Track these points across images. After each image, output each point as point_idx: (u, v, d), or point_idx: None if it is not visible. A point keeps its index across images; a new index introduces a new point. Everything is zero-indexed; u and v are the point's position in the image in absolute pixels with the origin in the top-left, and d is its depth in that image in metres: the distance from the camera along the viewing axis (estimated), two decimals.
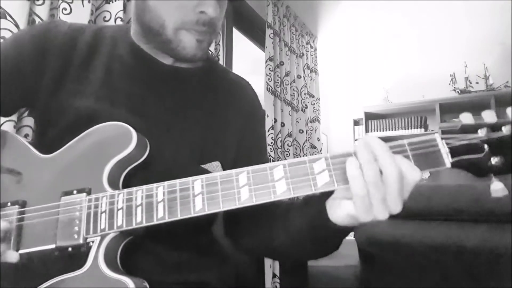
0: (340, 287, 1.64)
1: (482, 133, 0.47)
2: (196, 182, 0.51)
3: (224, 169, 0.68)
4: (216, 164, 0.67)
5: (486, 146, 0.46)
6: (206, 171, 0.66)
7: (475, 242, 1.08)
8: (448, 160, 0.46)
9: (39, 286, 0.51)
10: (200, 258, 0.67)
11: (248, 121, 0.75)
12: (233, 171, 0.51)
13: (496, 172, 0.46)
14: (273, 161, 2.28)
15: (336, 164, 0.48)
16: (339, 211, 0.49)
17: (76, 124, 0.61)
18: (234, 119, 0.73)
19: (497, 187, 0.46)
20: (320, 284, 1.67)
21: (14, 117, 0.99)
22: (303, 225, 0.57)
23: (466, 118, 0.49)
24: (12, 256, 0.52)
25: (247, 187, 0.49)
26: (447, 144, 0.47)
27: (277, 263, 2.14)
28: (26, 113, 1.04)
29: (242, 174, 0.50)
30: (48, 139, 0.63)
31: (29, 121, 1.04)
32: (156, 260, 0.61)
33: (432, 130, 3.49)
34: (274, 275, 2.14)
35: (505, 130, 0.46)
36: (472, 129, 0.47)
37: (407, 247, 1.21)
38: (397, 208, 0.45)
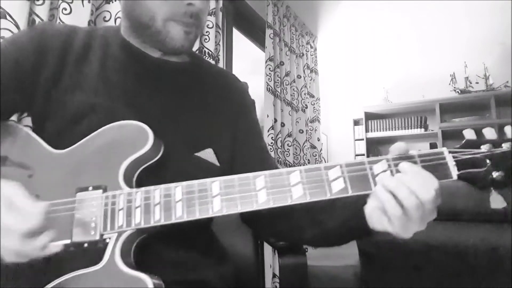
0: (340, 287, 1.64)
1: (485, 148, 0.50)
2: (214, 184, 0.53)
3: (219, 157, 0.70)
4: (209, 151, 0.69)
5: (488, 160, 0.49)
6: (201, 160, 0.68)
7: (475, 242, 1.08)
8: (454, 172, 0.50)
9: (53, 281, 0.51)
10: (199, 257, 0.67)
11: (240, 109, 0.78)
12: (251, 174, 0.53)
13: (497, 185, 0.50)
14: None
15: (351, 172, 0.51)
16: (378, 226, 0.53)
17: (75, 119, 0.62)
18: (225, 108, 0.75)
19: (496, 199, 0.50)
20: (320, 284, 1.67)
21: (14, 117, 0.99)
22: (336, 225, 0.62)
23: (469, 134, 0.52)
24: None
25: (264, 190, 0.51)
26: (453, 157, 0.50)
27: (277, 263, 2.14)
28: (26, 113, 1.04)
29: (260, 178, 0.52)
30: (46, 135, 0.64)
31: (29, 121, 1.04)
32: (156, 258, 0.61)
33: (432, 130, 3.49)
34: (274, 275, 2.14)
35: (505, 146, 0.50)
36: (475, 144, 0.51)
37: (407, 247, 1.21)
38: (432, 217, 0.49)
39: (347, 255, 1.68)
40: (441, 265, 1.16)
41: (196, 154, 0.68)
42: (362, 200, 0.55)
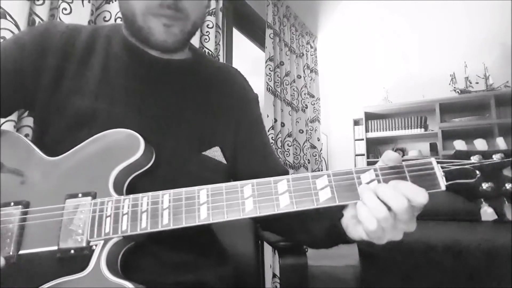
0: (340, 287, 1.64)
1: (474, 159, 0.50)
2: (202, 192, 0.52)
3: (225, 154, 0.70)
4: (216, 149, 0.69)
5: (478, 172, 0.49)
6: (206, 158, 0.67)
7: (475, 242, 1.08)
8: (443, 183, 0.49)
9: (39, 287, 0.50)
10: (199, 258, 0.67)
11: (242, 104, 0.77)
12: (238, 183, 0.52)
13: (486, 197, 0.49)
14: None
15: (338, 181, 0.50)
16: (355, 233, 0.53)
17: (76, 123, 0.62)
18: (228, 104, 0.74)
19: (487, 211, 0.49)
20: (320, 284, 1.67)
21: (14, 117, 0.99)
22: (320, 233, 0.62)
23: (459, 144, 0.52)
24: None
25: (251, 199, 0.51)
26: (442, 168, 0.50)
27: (277, 263, 2.14)
28: (26, 113, 1.04)
29: (247, 186, 0.52)
30: (48, 139, 0.63)
31: (29, 121, 1.04)
32: (154, 260, 0.61)
33: (432, 130, 3.49)
34: (274, 275, 2.14)
35: (495, 157, 0.49)
36: (465, 155, 0.50)
37: (407, 247, 1.21)
38: (411, 228, 0.48)
39: (347, 255, 1.68)
40: (441, 265, 1.16)
41: (203, 153, 0.67)
42: (340, 212, 0.55)
